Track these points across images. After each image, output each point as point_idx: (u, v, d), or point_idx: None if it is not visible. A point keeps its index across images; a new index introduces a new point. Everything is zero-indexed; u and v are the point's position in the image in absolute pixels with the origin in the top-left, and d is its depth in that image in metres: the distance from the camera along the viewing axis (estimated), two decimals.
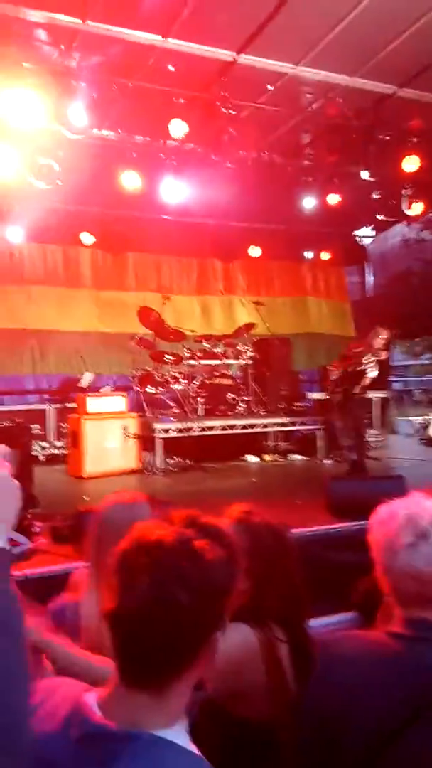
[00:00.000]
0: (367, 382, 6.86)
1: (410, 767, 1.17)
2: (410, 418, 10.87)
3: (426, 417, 9.96)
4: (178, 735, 0.99)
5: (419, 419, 10.22)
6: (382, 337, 6.87)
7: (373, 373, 6.82)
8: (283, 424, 8.79)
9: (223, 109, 6.52)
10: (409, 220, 10.17)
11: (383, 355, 7.07)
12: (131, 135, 7.56)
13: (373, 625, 1.84)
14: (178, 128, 6.62)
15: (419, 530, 1.34)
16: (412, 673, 1.28)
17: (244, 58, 6.26)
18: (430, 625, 1.33)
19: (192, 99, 6.67)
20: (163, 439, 7.66)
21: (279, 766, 1.55)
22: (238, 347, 9.13)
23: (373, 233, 12.06)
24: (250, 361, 9.14)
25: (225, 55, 6.25)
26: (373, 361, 6.80)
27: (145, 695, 0.97)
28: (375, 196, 8.42)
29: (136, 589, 0.96)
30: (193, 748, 1.00)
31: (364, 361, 6.79)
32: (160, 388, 8.44)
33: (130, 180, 7.49)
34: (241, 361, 9.12)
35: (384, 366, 7.18)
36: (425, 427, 9.80)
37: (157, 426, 7.68)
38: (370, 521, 1.46)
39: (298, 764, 1.43)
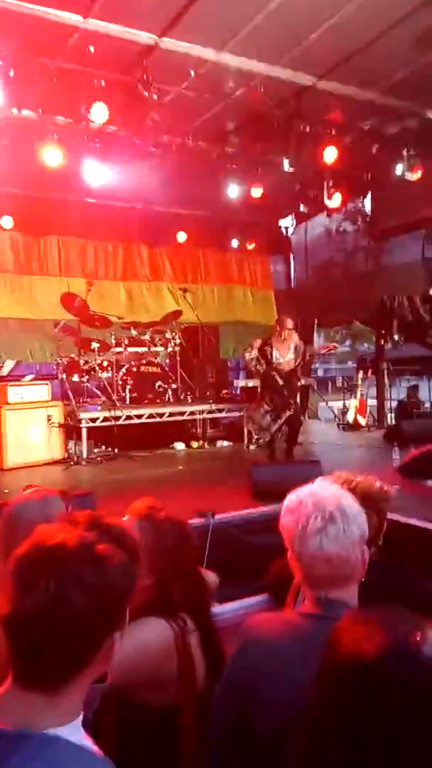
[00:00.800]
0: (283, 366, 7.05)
1: None
2: (331, 403, 11.24)
3: (346, 403, 10.32)
4: (73, 732, 0.99)
5: (339, 405, 10.57)
6: (288, 327, 7.10)
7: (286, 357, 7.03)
8: (210, 412, 8.87)
9: (146, 93, 6.44)
10: (330, 211, 10.44)
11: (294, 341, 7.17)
12: (52, 115, 7.35)
13: (283, 606, 1.92)
14: (99, 112, 6.50)
15: (326, 514, 1.40)
16: (319, 651, 1.34)
17: (167, 42, 6.21)
18: (337, 604, 1.40)
19: (114, 82, 6.55)
20: (89, 428, 7.56)
21: (179, 750, 1.62)
22: (165, 335, 9.11)
23: (294, 223, 12.30)
24: (177, 349, 9.14)
25: (147, 38, 6.18)
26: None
27: (39, 695, 0.97)
28: (297, 186, 8.58)
29: (35, 593, 0.95)
30: (89, 744, 1.01)
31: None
32: (86, 376, 8.31)
33: (52, 157, 7.27)
34: (169, 349, 9.11)
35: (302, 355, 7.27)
36: (344, 412, 10.15)
37: (83, 415, 7.57)
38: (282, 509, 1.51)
39: (208, 745, 1.47)
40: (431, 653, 0.82)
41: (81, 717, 1.03)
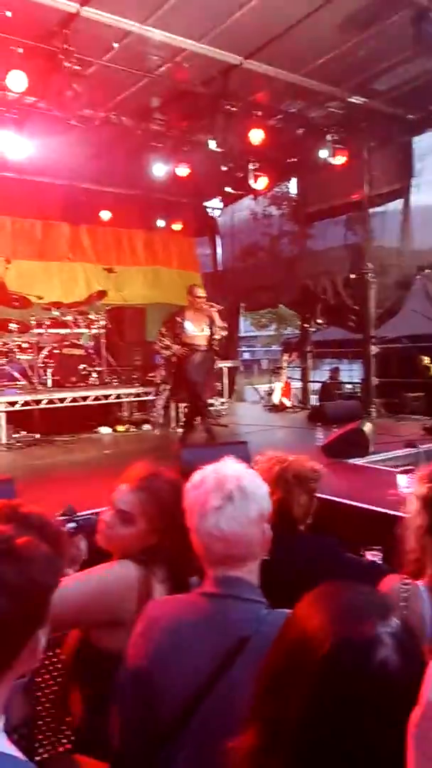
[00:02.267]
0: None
1: (221, 718, 1.23)
2: (256, 386, 11.39)
3: (271, 385, 10.48)
4: None
5: (265, 387, 10.73)
6: (200, 294, 6.96)
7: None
8: (137, 395, 8.76)
9: (67, 63, 6.17)
10: (256, 193, 10.49)
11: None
12: None
13: None
14: (17, 80, 6.17)
15: (225, 493, 1.38)
16: (221, 628, 1.34)
17: (88, 11, 5.97)
18: (235, 582, 1.39)
19: (33, 49, 6.24)
20: (8, 412, 7.29)
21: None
22: (90, 316, 8.88)
23: (221, 206, 12.28)
24: (102, 331, 8.94)
25: (68, 5, 5.91)
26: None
27: None
28: (223, 167, 8.53)
29: None
30: (12, 750, 0.96)
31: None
32: (4, 359, 7.98)
33: None
34: (94, 331, 8.89)
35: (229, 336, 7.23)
36: (270, 394, 10.31)
37: (1, 399, 7.29)
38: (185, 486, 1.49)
39: (116, 725, 1.43)
40: (379, 635, 0.80)
41: (2, 720, 0.97)
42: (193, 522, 1.42)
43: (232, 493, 1.38)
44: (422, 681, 0.70)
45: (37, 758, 2.00)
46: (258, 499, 1.42)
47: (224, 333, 7.23)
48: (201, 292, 6.91)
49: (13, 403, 7.34)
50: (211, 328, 6.87)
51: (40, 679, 2.08)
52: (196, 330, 6.80)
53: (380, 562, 2.64)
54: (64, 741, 2.03)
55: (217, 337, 6.96)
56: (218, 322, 6.93)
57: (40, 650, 0.99)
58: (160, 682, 1.34)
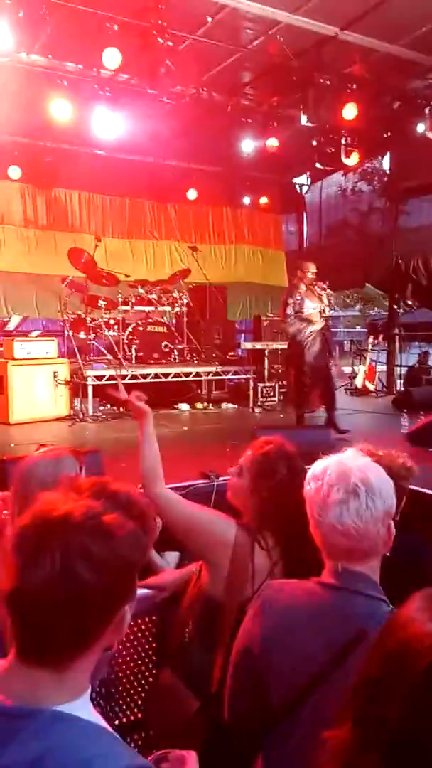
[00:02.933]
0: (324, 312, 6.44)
1: (333, 709, 1.23)
2: (340, 368, 11.15)
3: (354, 367, 10.23)
4: (82, 708, 0.96)
5: (348, 369, 10.49)
6: (312, 271, 6.49)
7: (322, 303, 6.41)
8: (216, 373, 8.81)
9: (160, 40, 6.18)
10: (347, 169, 10.16)
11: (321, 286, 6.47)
12: (62, 61, 7.09)
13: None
14: (112, 57, 6.25)
15: (350, 487, 1.35)
16: (338, 620, 1.33)
17: None
18: (356, 576, 1.37)
19: (127, 26, 6.27)
20: (95, 386, 7.53)
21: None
22: (173, 294, 8.98)
23: (309, 181, 11.99)
24: (185, 309, 9.02)
25: None
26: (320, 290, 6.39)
27: (46, 671, 0.94)
28: (313, 142, 8.30)
29: (39, 568, 0.90)
30: (98, 719, 0.99)
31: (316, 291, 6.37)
32: (92, 334, 8.23)
33: (61, 109, 7.06)
34: (176, 309, 8.98)
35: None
36: (353, 377, 10.07)
37: (89, 372, 7.53)
38: (306, 475, 1.47)
39: (229, 701, 1.48)
40: None
41: (89, 692, 1.00)
42: (313, 513, 1.41)
43: (358, 487, 1.35)
44: None
45: (116, 722, 2.09)
46: (384, 496, 1.38)
47: (332, 312, 6.80)
48: (313, 268, 6.46)
49: (99, 377, 7.57)
50: (322, 308, 6.45)
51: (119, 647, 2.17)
52: (312, 309, 6.36)
53: None
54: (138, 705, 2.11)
55: (327, 313, 6.54)
56: (326, 300, 6.49)
57: (126, 624, 1.02)
58: (273, 665, 1.36)
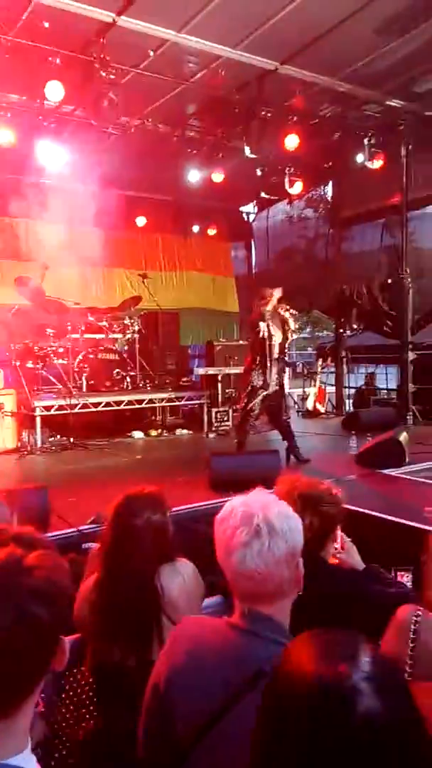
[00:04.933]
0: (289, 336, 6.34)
1: (226, 748, 1.22)
2: (290, 390, 11.27)
3: (305, 390, 10.38)
4: (29, 760, 0.96)
5: (299, 392, 10.63)
6: (276, 296, 6.30)
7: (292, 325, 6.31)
8: (170, 399, 8.80)
9: (103, 73, 6.25)
10: (291, 198, 10.42)
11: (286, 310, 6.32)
12: (5, 93, 7.09)
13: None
14: (54, 90, 6.28)
15: (252, 529, 1.33)
16: (238, 661, 1.32)
17: (124, 20, 6.02)
18: (262, 620, 1.36)
19: (70, 60, 6.33)
20: (43, 417, 7.40)
21: None
22: (124, 321, 8.96)
23: (256, 210, 12.24)
24: (136, 336, 9.00)
25: (104, 15, 5.97)
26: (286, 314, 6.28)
27: None
28: (258, 172, 8.50)
29: None
30: None
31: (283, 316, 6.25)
32: (41, 363, 8.11)
33: (3, 136, 7.03)
34: (128, 336, 8.96)
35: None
36: (304, 399, 10.21)
37: (37, 403, 7.40)
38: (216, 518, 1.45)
39: (144, 734, 1.46)
40: (356, 684, 0.77)
41: (30, 742, 1.00)
42: (221, 556, 1.38)
43: (260, 528, 1.33)
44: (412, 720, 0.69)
45: None
46: (287, 536, 1.35)
47: (296, 336, 6.64)
48: (277, 293, 6.28)
49: (48, 408, 7.45)
50: (284, 333, 6.31)
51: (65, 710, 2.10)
52: (275, 337, 6.23)
53: (410, 584, 2.57)
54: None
55: (290, 338, 6.45)
56: (292, 325, 6.35)
57: (66, 653, 1.03)
58: (177, 701, 1.35)
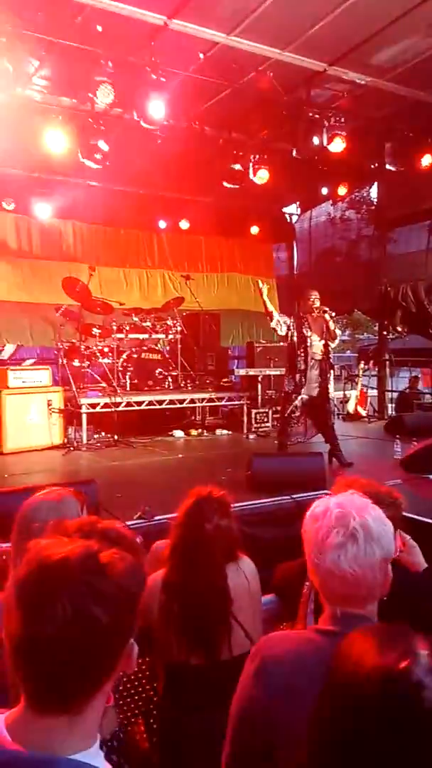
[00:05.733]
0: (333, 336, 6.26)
1: None
2: (331, 393, 11.18)
3: (346, 393, 10.29)
4: (96, 757, 0.96)
5: (339, 395, 10.54)
6: (315, 296, 6.31)
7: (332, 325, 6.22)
8: (210, 400, 8.84)
9: (153, 76, 6.33)
10: (335, 199, 10.36)
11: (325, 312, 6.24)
12: (57, 96, 7.25)
13: (289, 609, 1.89)
14: (105, 94, 6.39)
15: (348, 531, 1.33)
16: None
17: (176, 24, 6.10)
18: (356, 620, 1.33)
19: (121, 63, 6.43)
20: (89, 414, 7.53)
21: None
22: (167, 322, 9.05)
23: (299, 211, 12.20)
24: (178, 336, 9.09)
25: (156, 18, 6.06)
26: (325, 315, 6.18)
27: (59, 718, 0.93)
28: (303, 174, 8.47)
29: (50, 615, 0.90)
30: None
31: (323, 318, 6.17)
32: (87, 362, 8.26)
33: (56, 141, 7.18)
34: (170, 336, 9.05)
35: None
36: (344, 402, 10.12)
37: (83, 401, 7.54)
38: (305, 516, 1.44)
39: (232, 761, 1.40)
40: (420, 678, 0.79)
41: (99, 740, 0.99)
42: (310, 555, 1.38)
43: (356, 531, 1.33)
44: None
45: None
46: (382, 541, 1.35)
47: (337, 341, 6.41)
48: (316, 295, 6.25)
49: (94, 405, 7.58)
50: (325, 336, 6.24)
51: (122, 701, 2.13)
52: (314, 341, 6.20)
53: None
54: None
55: (332, 345, 6.37)
56: (332, 327, 6.26)
57: (134, 657, 1.02)
58: (284, 725, 1.28)
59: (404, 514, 3.78)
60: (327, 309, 6.31)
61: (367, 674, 0.81)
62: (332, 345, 6.40)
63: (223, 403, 9.13)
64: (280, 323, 6.25)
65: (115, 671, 0.99)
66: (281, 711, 1.30)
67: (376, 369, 10.56)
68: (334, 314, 6.40)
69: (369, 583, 1.34)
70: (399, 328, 9.94)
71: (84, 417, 7.46)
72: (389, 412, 10.19)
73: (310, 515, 1.41)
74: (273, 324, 6.28)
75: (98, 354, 8.20)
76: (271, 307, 6.34)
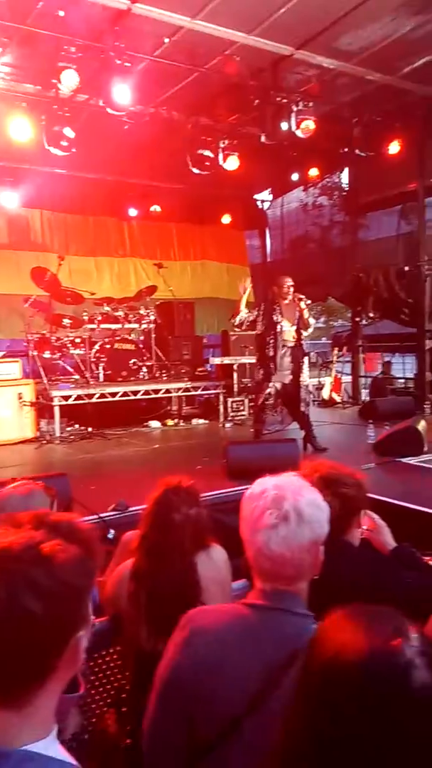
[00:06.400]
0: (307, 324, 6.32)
1: (271, 733, 1.23)
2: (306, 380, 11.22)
3: (320, 379, 10.34)
4: (50, 746, 0.95)
5: (314, 382, 10.58)
6: (289, 283, 6.30)
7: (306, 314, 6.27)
8: (185, 389, 8.81)
9: (118, 61, 6.21)
10: (306, 185, 10.34)
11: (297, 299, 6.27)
12: (20, 83, 7.08)
13: None
14: (69, 79, 6.25)
15: (281, 513, 1.35)
16: (268, 641, 1.32)
17: (139, 8, 5.98)
18: (283, 595, 1.37)
19: (84, 48, 6.29)
20: (62, 406, 7.45)
21: None
22: (140, 311, 8.97)
23: (271, 197, 12.15)
24: (152, 326, 9.02)
25: (119, 2, 5.94)
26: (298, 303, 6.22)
27: (7, 711, 0.92)
28: (273, 159, 8.42)
29: None
30: (68, 758, 0.97)
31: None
32: (58, 353, 8.16)
33: (20, 129, 7.02)
34: (143, 326, 8.97)
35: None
36: (319, 389, 10.17)
37: (55, 393, 7.45)
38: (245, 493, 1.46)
39: (154, 733, 1.42)
40: (411, 658, 0.78)
41: (55, 729, 0.99)
42: (245, 533, 1.40)
43: (288, 513, 1.35)
44: None
45: None
46: (313, 524, 1.37)
47: (311, 330, 6.45)
48: (289, 282, 6.24)
49: (66, 398, 7.50)
50: (298, 323, 6.28)
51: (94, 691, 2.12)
52: (286, 326, 6.23)
53: None
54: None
55: (305, 333, 6.40)
56: (306, 316, 6.31)
57: (81, 653, 1.00)
58: (202, 695, 1.32)
59: (374, 496, 3.84)
60: (303, 297, 6.35)
61: (355, 654, 0.81)
62: (305, 334, 6.41)
63: (199, 392, 9.11)
64: (242, 318, 6.31)
65: (59, 667, 0.96)
66: (204, 681, 1.33)
67: (351, 355, 10.62)
68: (309, 302, 6.42)
69: (297, 564, 1.36)
70: (371, 314, 10.00)
71: (56, 410, 7.38)
72: (363, 397, 10.27)
73: (248, 495, 1.43)
74: (235, 321, 6.31)
75: (70, 345, 8.11)
76: (243, 307, 6.34)
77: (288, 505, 1.36)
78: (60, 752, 0.97)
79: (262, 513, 1.36)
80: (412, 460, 5.58)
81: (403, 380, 10.81)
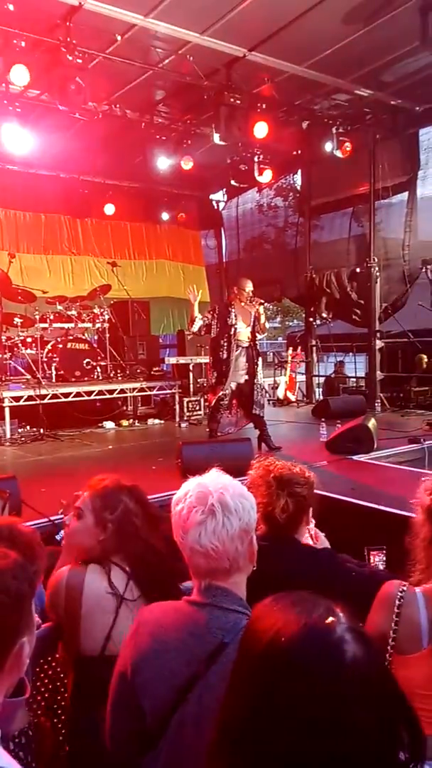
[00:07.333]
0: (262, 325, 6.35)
1: (198, 722, 1.25)
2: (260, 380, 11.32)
3: (276, 379, 10.44)
4: None
5: (270, 381, 10.69)
6: (249, 288, 6.35)
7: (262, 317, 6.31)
8: (141, 389, 8.76)
9: (69, 57, 6.12)
10: (261, 186, 10.42)
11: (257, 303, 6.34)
12: None
13: None
14: (20, 75, 6.14)
15: (207, 508, 1.37)
16: (201, 635, 1.36)
17: (91, 4, 5.92)
18: (219, 591, 1.40)
19: (35, 43, 6.19)
20: (12, 407, 7.30)
21: None
22: (93, 310, 8.87)
23: (226, 198, 12.21)
24: (106, 325, 8.93)
25: None
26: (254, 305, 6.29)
27: None
28: (227, 160, 8.46)
29: None
30: (13, 764, 0.96)
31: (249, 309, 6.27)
32: (8, 353, 7.99)
33: None
34: (98, 325, 8.88)
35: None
36: (275, 388, 10.27)
37: (5, 394, 7.29)
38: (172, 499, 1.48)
39: (110, 726, 1.47)
40: (341, 634, 0.83)
41: None
42: (177, 536, 1.42)
43: (214, 507, 1.37)
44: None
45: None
46: (241, 513, 1.39)
47: (265, 334, 6.53)
48: (249, 286, 6.31)
49: (17, 398, 7.35)
50: (254, 325, 6.33)
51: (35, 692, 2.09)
52: (242, 328, 6.27)
53: (383, 563, 2.63)
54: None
55: (260, 336, 6.44)
56: (263, 321, 6.36)
57: (25, 657, 0.99)
58: (143, 686, 1.37)
59: (325, 493, 3.90)
60: (262, 301, 6.47)
61: (293, 633, 0.83)
62: (260, 337, 6.49)
63: (154, 392, 9.07)
64: (199, 326, 6.32)
65: (4, 671, 0.95)
66: (144, 672, 1.38)
67: (304, 355, 10.76)
68: (267, 305, 6.49)
69: (231, 555, 1.39)
70: (324, 315, 10.15)
71: (7, 411, 7.23)
72: (317, 396, 10.42)
73: (174, 499, 1.45)
74: (194, 328, 6.31)
75: (20, 345, 7.95)
76: (197, 313, 6.36)
77: (212, 500, 1.38)
78: (4, 759, 0.95)
79: (189, 512, 1.38)
80: (362, 458, 5.69)
81: (354, 379, 11.01)
